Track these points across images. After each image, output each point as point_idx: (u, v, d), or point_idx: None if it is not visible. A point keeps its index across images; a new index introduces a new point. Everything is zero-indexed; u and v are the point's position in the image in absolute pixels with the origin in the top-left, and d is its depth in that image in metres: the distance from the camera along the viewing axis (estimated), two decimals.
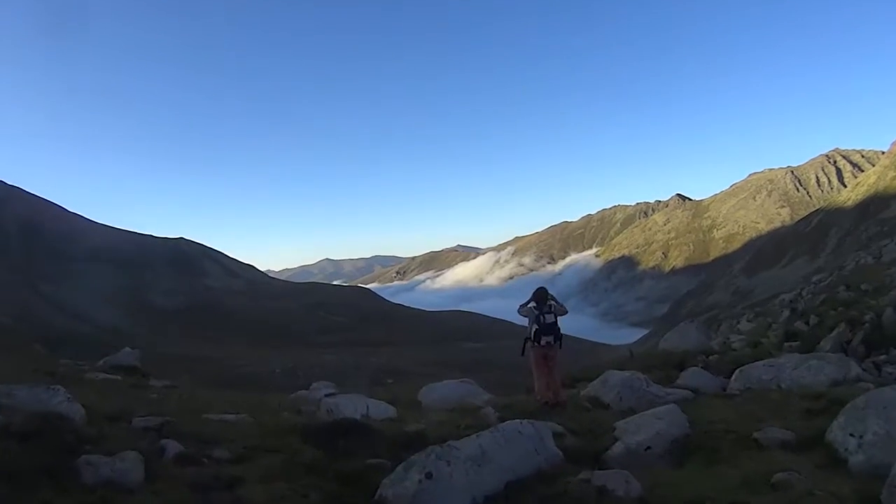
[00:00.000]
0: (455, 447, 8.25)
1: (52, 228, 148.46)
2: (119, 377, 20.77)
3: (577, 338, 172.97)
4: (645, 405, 13.19)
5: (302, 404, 15.63)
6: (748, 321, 44.35)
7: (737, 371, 16.28)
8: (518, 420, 10.05)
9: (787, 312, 34.75)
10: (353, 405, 13.17)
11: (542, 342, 14.18)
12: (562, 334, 14.50)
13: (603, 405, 14.38)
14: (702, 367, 18.38)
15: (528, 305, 14.77)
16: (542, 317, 14.15)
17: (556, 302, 14.76)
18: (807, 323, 28.32)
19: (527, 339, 14.57)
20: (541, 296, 14.54)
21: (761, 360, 16.98)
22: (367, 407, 13.07)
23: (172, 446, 8.75)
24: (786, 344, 21.65)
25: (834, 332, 23.08)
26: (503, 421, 10.95)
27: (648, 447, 10.21)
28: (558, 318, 14.49)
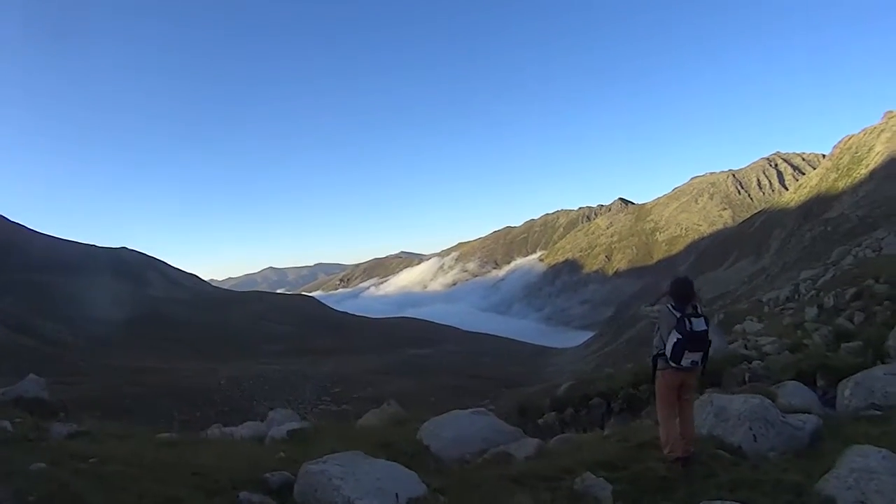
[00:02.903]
0: None
1: None
2: (7, 423, 13.72)
3: (524, 342, 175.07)
4: (785, 443, 9.76)
5: (263, 461, 10.38)
6: (752, 321, 42.92)
7: (850, 383, 12.40)
8: None
9: (814, 310, 33.44)
10: (354, 476, 7.88)
11: (686, 363, 9.07)
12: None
13: (733, 449, 9.78)
14: (749, 378, 15.70)
15: (658, 306, 9.95)
16: (687, 322, 8.99)
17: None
18: (850, 320, 26.03)
19: (657, 356, 9.49)
20: (683, 290, 9.43)
21: (829, 365, 14.46)
22: (379, 480, 7.88)
23: None
24: (843, 344, 20.08)
25: None
26: None
27: None
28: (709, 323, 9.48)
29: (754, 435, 9.78)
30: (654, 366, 9.53)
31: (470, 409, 13.54)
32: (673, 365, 9.06)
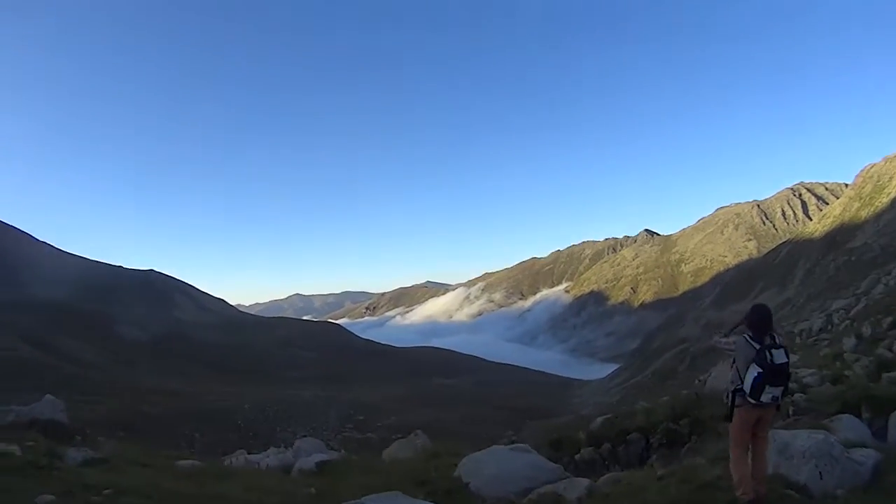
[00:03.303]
0: None
1: (16, 255, 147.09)
2: (17, 447, 12.89)
3: (549, 373, 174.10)
4: (849, 479, 9.26)
5: (293, 497, 10.75)
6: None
7: None
8: None
9: (852, 340, 32.89)
10: None
11: (766, 398, 8.33)
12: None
13: (798, 487, 9.30)
14: (793, 412, 14.97)
15: (733, 337, 9.29)
16: (767, 354, 8.29)
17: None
18: (889, 349, 25.69)
19: (735, 392, 8.70)
20: (762, 319, 8.69)
21: (874, 395, 13.80)
22: None
23: None
24: (885, 374, 19.64)
25: None
26: None
27: None
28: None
29: (820, 472, 9.28)
30: (732, 402, 8.77)
31: (509, 445, 13.26)
32: (752, 401, 8.41)
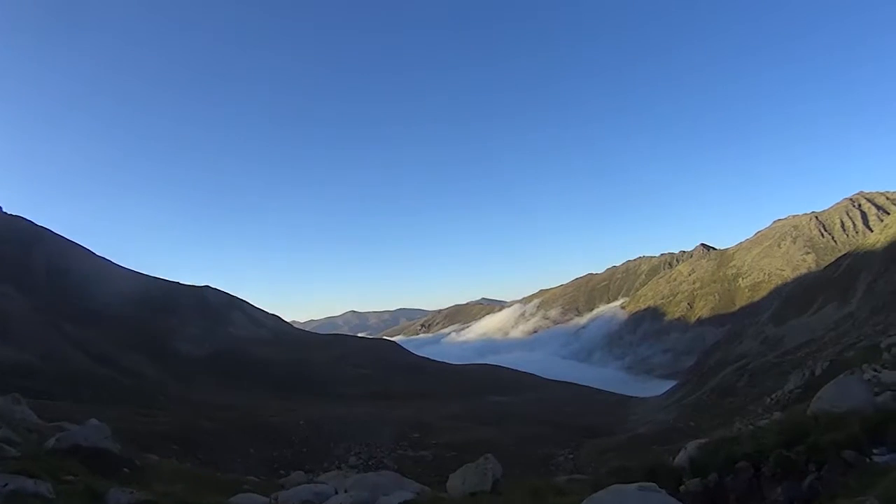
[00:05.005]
0: None
1: (78, 271, 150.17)
2: (49, 486, 11.10)
3: (605, 391, 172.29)
4: None
5: None
6: (879, 369, 39.27)
7: None
8: None
9: None
10: None
11: None
12: None
13: None
14: None
15: None
16: None
17: None
18: None
19: None
20: None
21: None
22: None
23: None
24: None
25: None
26: None
27: None
28: None
29: None
30: None
31: (637, 484, 10.51)
32: None
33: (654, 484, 11.34)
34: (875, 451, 11.27)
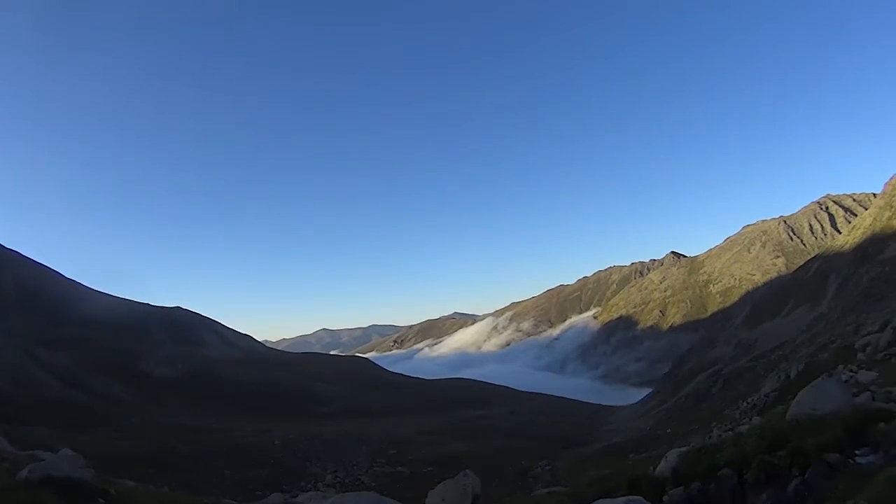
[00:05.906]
0: None
1: (49, 294, 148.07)
2: None
3: (581, 401, 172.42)
4: None
5: None
6: (854, 369, 39.35)
7: None
8: None
9: None
10: None
11: None
12: None
13: None
14: None
15: None
16: None
17: None
18: None
19: None
20: None
21: None
22: None
23: None
24: None
25: None
26: None
27: None
28: None
29: None
30: None
31: (624, 498, 11.62)
32: None
33: (640, 497, 12.15)
34: (858, 452, 11.32)
